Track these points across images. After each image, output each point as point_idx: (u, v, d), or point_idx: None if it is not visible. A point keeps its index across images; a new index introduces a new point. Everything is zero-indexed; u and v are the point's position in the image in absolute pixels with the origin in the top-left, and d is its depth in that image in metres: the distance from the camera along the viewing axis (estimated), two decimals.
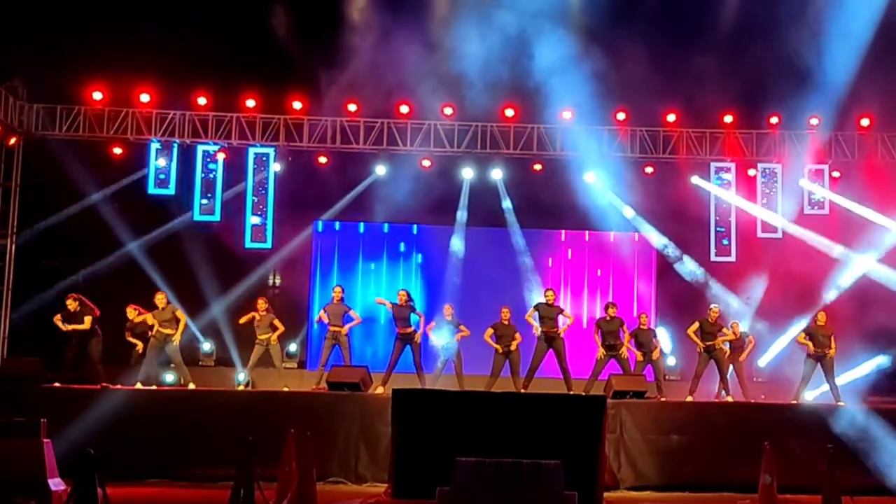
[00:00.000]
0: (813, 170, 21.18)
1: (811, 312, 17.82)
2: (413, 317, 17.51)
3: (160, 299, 17.08)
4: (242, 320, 17.82)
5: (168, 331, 16.84)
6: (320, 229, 22.64)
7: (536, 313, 17.64)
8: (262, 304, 17.73)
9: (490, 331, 17.64)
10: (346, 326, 17.54)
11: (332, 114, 20.77)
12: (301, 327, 21.71)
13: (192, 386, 16.88)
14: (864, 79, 19.40)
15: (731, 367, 17.85)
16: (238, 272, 20.96)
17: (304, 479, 11.55)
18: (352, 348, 17.91)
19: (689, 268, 21.76)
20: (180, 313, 17.13)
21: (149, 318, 17.10)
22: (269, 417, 14.53)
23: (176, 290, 19.18)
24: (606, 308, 17.95)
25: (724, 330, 17.64)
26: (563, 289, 22.50)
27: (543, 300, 17.86)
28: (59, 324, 16.84)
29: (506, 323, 17.69)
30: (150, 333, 17.05)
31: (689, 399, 16.97)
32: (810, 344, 17.12)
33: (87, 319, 16.87)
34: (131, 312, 17.71)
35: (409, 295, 17.75)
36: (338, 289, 17.97)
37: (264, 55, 20.15)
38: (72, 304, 16.93)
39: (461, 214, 21.76)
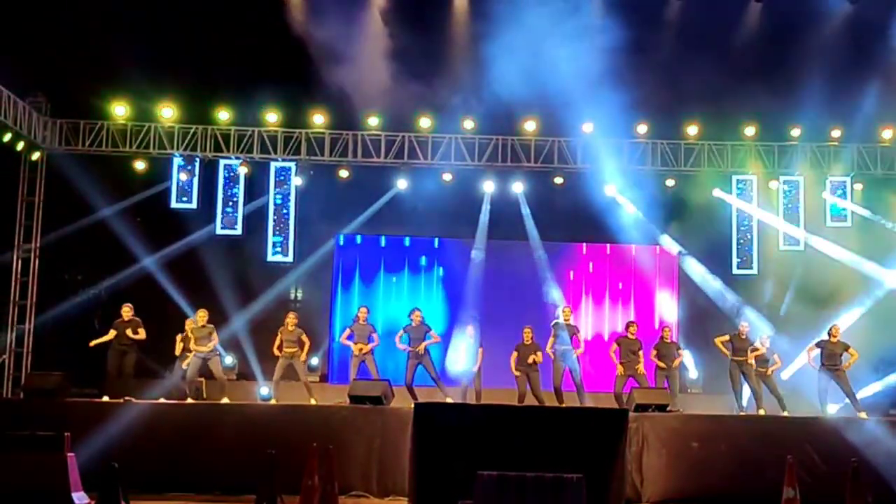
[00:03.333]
0: (835, 182, 21.12)
1: (832, 325, 17.73)
2: (427, 336, 17.71)
3: (202, 316, 17.40)
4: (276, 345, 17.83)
5: (203, 348, 17.19)
6: (342, 243, 22.68)
7: (555, 334, 17.73)
8: (292, 318, 17.81)
9: (515, 354, 17.69)
10: (369, 346, 17.61)
11: (353, 128, 20.86)
12: (322, 341, 21.70)
13: (225, 400, 16.99)
14: (886, 90, 19.35)
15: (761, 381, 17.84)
16: (259, 286, 20.99)
17: (327, 492, 11.57)
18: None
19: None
20: (216, 335, 17.47)
21: (188, 331, 17.41)
22: (292, 431, 14.51)
23: (197, 304, 19.26)
24: (627, 327, 17.99)
25: (756, 345, 17.67)
26: (584, 302, 22.48)
27: (561, 319, 17.88)
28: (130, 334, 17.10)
29: (528, 343, 17.72)
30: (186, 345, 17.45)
31: (762, 412, 17.08)
32: (817, 351, 17.10)
33: (142, 332, 17.17)
34: (189, 324, 17.89)
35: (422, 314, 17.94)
36: (363, 309, 18.02)
37: (285, 70, 20.25)
38: (127, 312, 17.22)
39: (482, 227, 21.74)
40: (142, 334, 17.21)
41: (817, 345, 17.32)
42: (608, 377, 18.17)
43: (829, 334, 17.31)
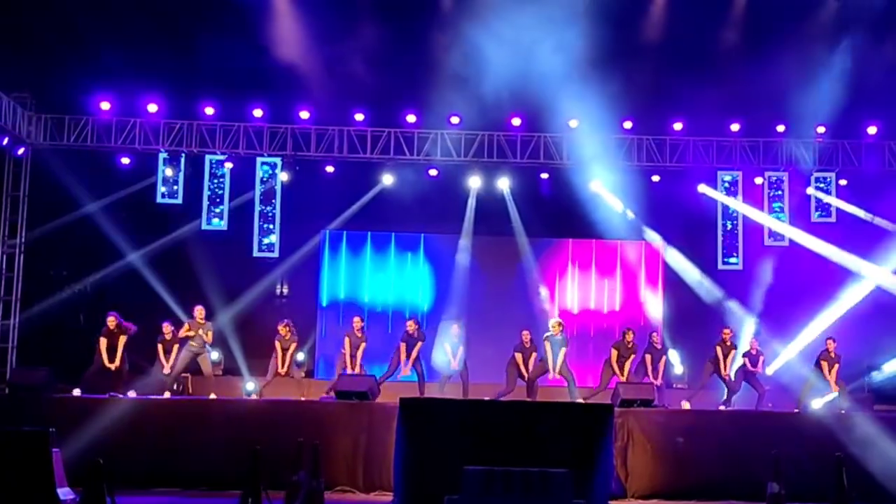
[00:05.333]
0: (820, 178, 21.18)
1: (817, 321, 17.82)
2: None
3: (199, 312, 17.58)
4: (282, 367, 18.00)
5: (195, 343, 17.36)
6: (328, 238, 22.63)
7: (547, 343, 17.79)
8: (283, 329, 18.01)
9: (519, 356, 17.82)
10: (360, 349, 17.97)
11: (339, 123, 20.83)
12: (308, 337, 21.65)
13: (212, 395, 17.00)
14: (870, 86, 19.40)
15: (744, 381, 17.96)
16: (245, 281, 20.97)
17: (312, 487, 11.56)
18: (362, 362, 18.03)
19: None
20: (210, 333, 17.64)
21: (184, 329, 17.46)
22: (278, 426, 14.55)
23: (183, 300, 19.27)
24: (624, 334, 18.01)
25: (747, 346, 17.98)
26: (569, 298, 22.47)
27: (551, 332, 17.90)
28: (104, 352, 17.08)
29: (527, 346, 17.80)
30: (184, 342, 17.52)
31: (686, 405, 17.16)
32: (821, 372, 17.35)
33: (123, 339, 17.13)
34: (167, 328, 17.88)
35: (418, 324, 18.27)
36: (357, 319, 18.29)
37: (271, 65, 20.17)
38: (112, 322, 17.17)
39: (468, 223, 21.72)
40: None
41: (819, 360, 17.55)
42: (594, 372, 18.23)
43: (826, 347, 17.49)
